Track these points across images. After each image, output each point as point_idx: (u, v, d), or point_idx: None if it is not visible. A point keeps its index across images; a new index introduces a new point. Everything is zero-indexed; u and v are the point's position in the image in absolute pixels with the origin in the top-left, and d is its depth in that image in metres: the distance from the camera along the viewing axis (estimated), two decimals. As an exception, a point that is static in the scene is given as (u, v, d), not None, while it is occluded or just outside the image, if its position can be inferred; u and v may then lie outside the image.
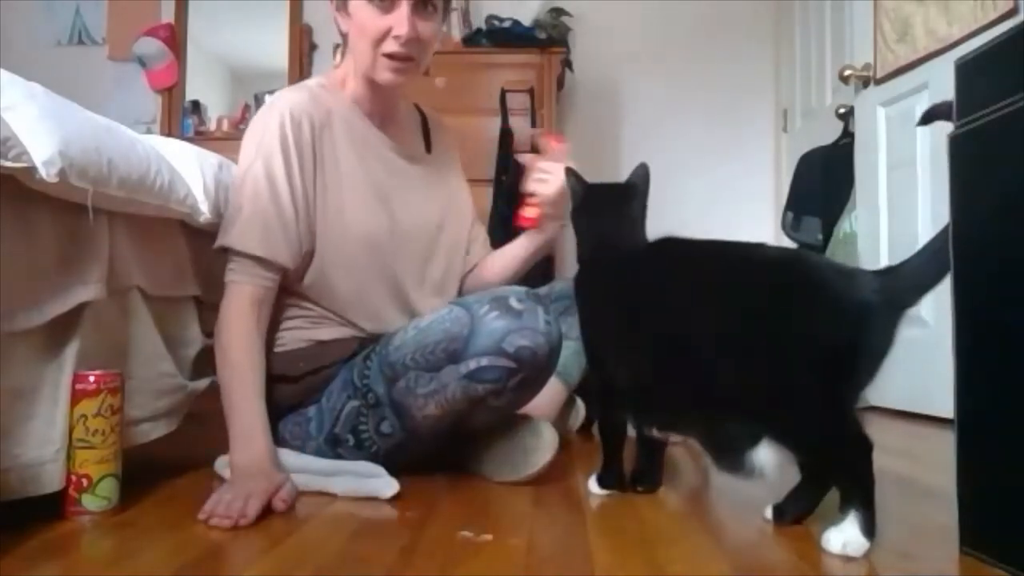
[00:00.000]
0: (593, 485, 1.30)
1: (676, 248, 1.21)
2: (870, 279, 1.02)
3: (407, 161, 1.53)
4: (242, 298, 1.33)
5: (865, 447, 0.99)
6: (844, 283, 1.02)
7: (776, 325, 1.02)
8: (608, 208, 1.33)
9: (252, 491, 1.12)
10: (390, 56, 1.38)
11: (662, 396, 1.17)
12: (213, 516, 1.08)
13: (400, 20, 1.35)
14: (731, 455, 1.07)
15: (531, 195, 1.53)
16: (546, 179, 1.50)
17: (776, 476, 1.05)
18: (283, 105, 1.38)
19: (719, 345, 1.06)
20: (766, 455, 1.03)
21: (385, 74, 1.40)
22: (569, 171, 1.38)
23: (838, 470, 1.01)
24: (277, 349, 1.42)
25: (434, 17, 1.41)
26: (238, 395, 1.28)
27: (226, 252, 1.36)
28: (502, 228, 2.54)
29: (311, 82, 1.49)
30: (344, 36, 1.46)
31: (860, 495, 0.98)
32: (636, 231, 1.30)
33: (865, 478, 0.98)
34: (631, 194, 1.31)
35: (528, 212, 1.53)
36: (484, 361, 1.25)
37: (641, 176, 1.33)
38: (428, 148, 1.61)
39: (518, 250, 1.62)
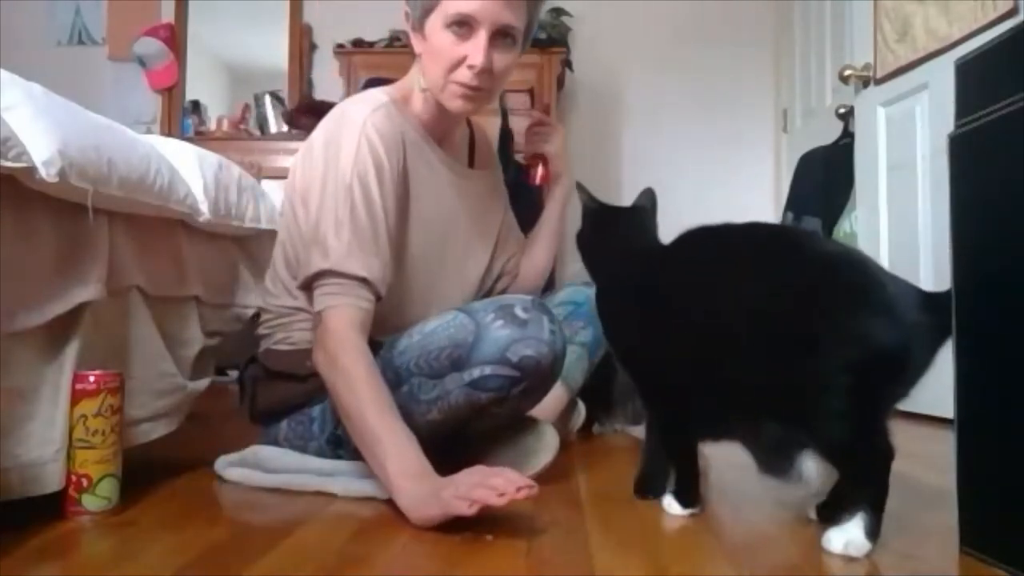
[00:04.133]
0: (671, 504, 1.18)
1: (716, 238, 1.16)
2: (924, 299, 1.00)
3: (459, 177, 1.52)
4: (347, 320, 1.23)
5: (887, 455, 0.98)
6: (899, 293, 1.00)
7: (823, 322, 0.99)
8: (624, 221, 1.35)
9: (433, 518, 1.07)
10: (461, 84, 1.34)
11: (700, 398, 1.14)
12: None
13: (476, 50, 1.30)
14: (777, 460, 1.05)
15: (537, 156, 1.64)
16: (547, 139, 1.63)
17: (819, 485, 1.04)
18: (370, 127, 1.32)
19: (758, 339, 1.03)
20: (813, 464, 1.01)
21: (454, 101, 1.36)
22: (580, 188, 1.40)
23: (855, 472, 1.00)
24: (285, 347, 1.42)
25: (511, 49, 1.36)
26: (375, 419, 1.15)
27: (318, 279, 1.26)
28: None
29: (381, 97, 1.39)
30: (414, 53, 1.42)
31: (872, 499, 0.97)
32: (654, 237, 1.32)
33: (880, 484, 0.97)
34: (643, 213, 1.35)
35: (540, 171, 1.65)
36: (488, 370, 1.24)
37: (649, 199, 1.37)
38: (471, 163, 1.60)
39: (550, 214, 1.69)
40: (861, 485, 0.99)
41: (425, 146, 1.44)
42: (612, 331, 1.32)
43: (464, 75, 1.33)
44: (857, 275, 1.03)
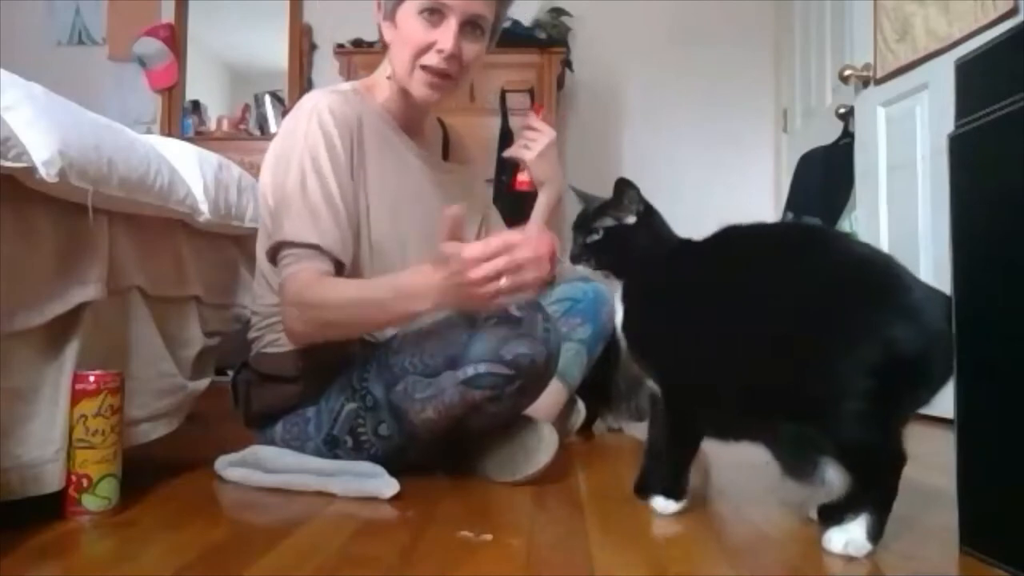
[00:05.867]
0: (663, 503, 1.18)
1: (744, 238, 1.15)
2: (951, 307, 0.99)
3: (433, 169, 1.53)
4: (305, 276, 1.29)
5: (899, 460, 0.98)
6: (925, 299, 1.00)
7: (846, 324, 0.98)
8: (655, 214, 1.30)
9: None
10: (428, 70, 1.37)
11: (718, 396, 1.12)
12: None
13: (446, 36, 1.35)
14: (799, 463, 1.05)
15: (520, 161, 1.62)
16: (529, 144, 1.60)
17: (840, 489, 1.03)
18: (323, 106, 1.37)
19: (779, 338, 1.02)
20: (836, 469, 1.01)
21: (421, 88, 1.39)
22: (623, 183, 1.36)
23: (865, 474, 0.99)
24: (275, 349, 1.42)
25: (480, 40, 1.40)
26: (364, 296, 1.27)
27: (277, 253, 1.33)
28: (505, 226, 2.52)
29: (344, 86, 1.47)
30: (385, 44, 1.45)
31: (878, 502, 0.97)
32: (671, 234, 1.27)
33: (889, 488, 0.97)
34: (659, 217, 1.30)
35: (521, 176, 1.63)
36: (482, 368, 1.24)
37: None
38: (445, 158, 1.61)
39: (532, 222, 1.64)
40: (869, 487, 0.99)
41: (388, 130, 1.47)
42: (628, 323, 1.27)
43: (432, 59, 1.37)
44: (882, 278, 1.02)
